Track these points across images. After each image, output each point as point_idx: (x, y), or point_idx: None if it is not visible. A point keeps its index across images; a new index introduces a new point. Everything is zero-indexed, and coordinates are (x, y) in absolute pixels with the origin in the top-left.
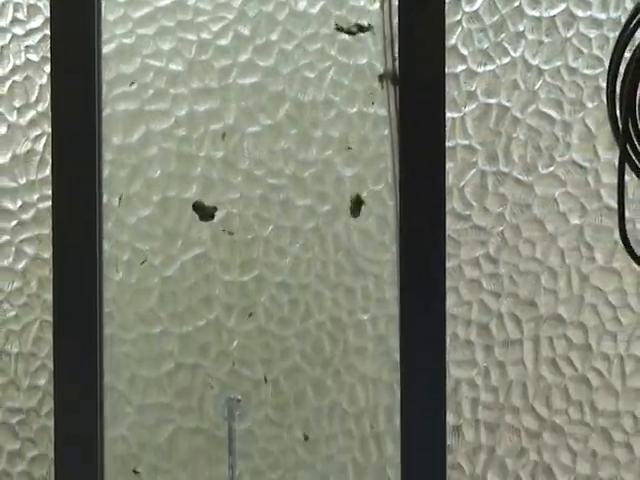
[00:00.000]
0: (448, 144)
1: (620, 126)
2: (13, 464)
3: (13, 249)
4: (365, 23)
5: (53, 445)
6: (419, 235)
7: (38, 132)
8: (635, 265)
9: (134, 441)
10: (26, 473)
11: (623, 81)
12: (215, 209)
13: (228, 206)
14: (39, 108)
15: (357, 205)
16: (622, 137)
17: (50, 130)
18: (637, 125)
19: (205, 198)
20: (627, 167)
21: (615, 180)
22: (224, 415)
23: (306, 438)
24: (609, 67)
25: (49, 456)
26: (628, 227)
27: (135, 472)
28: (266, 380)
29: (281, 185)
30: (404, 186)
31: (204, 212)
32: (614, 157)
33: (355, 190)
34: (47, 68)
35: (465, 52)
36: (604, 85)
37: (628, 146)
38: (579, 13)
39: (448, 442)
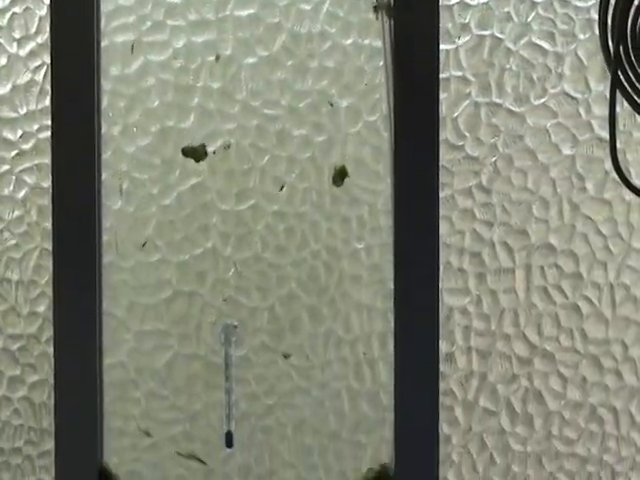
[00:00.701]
0: (442, 75)
1: (611, 52)
2: (14, 390)
3: (13, 178)
4: None
5: (53, 371)
6: (413, 165)
7: (38, 63)
8: (625, 196)
9: (132, 367)
10: (26, 398)
11: (614, 9)
12: (204, 146)
13: (225, 136)
14: (39, 40)
15: (340, 175)
16: (614, 63)
17: (50, 61)
18: (628, 51)
19: (202, 129)
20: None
21: (606, 112)
22: (221, 341)
23: (286, 357)
24: None
25: (49, 382)
26: (619, 157)
27: (148, 434)
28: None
29: (277, 115)
30: (398, 117)
31: (196, 153)
32: (605, 89)
33: (351, 120)
34: (47, 0)
35: None
36: (596, 17)
37: (619, 72)
38: None
39: (441, 369)
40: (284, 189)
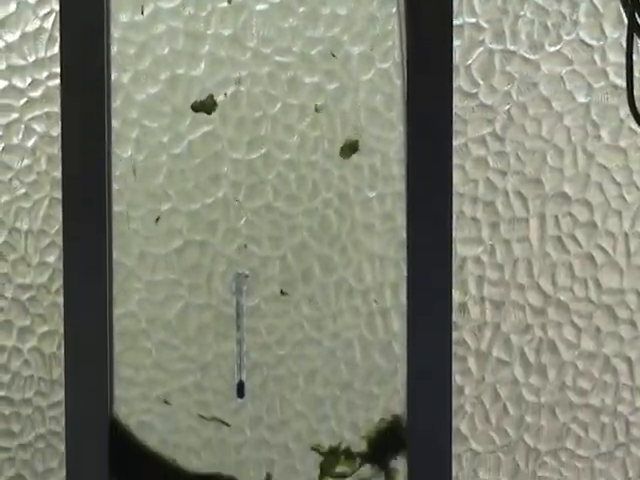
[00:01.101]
0: (455, 22)
1: None
2: (23, 340)
3: (22, 127)
4: None
5: (63, 322)
6: (426, 112)
7: (47, 10)
8: None
9: (143, 317)
10: (36, 349)
11: None
12: (212, 97)
13: (237, 83)
14: None
15: (350, 148)
16: (630, 6)
17: (58, 8)
18: None
19: (212, 76)
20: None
21: (621, 59)
22: (232, 291)
23: (282, 293)
24: None
25: (59, 332)
26: (637, 104)
27: (166, 402)
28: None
29: (289, 63)
30: (411, 64)
31: (205, 107)
32: (621, 37)
33: (364, 67)
34: None
35: None
36: None
37: (636, 14)
38: None
39: (454, 319)
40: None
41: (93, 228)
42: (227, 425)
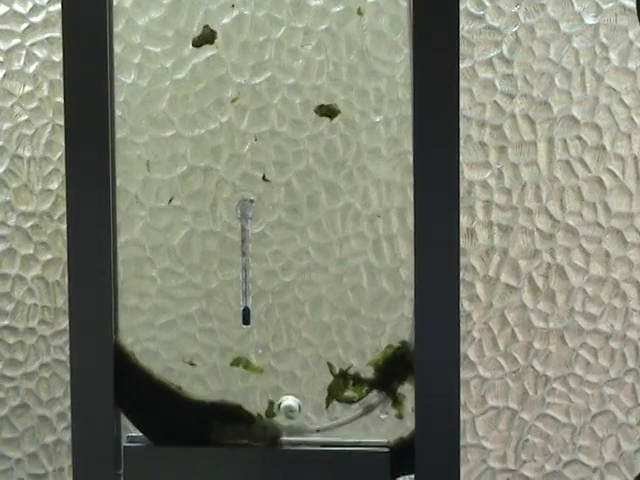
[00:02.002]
0: None
1: None
2: (27, 268)
3: (24, 52)
4: None
5: (66, 249)
6: (432, 35)
7: None
8: None
9: (147, 244)
10: (40, 277)
11: None
12: (209, 27)
13: (240, 7)
14: None
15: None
16: None
17: None
18: None
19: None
20: None
21: None
22: (237, 216)
23: (264, 178)
24: None
25: (63, 260)
26: None
27: (191, 364)
28: (264, 178)
29: None
30: None
31: (205, 39)
32: None
33: None
34: None
35: None
36: None
37: None
38: None
39: (461, 244)
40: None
41: (96, 154)
42: (260, 372)
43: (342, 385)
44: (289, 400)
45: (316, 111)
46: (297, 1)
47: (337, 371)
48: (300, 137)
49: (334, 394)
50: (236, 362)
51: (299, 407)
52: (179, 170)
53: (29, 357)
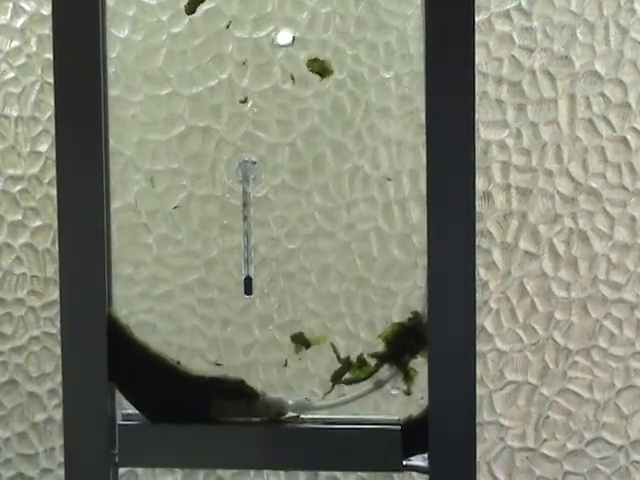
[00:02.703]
0: None
1: None
2: (15, 236)
3: (10, 5)
4: None
5: (57, 215)
6: None
7: None
8: None
9: (143, 210)
10: (29, 245)
11: None
12: None
13: None
14: None
15: None
16: None
17: None
18: None
19: None
20: None
21: None
22: (238, 179)
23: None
24: None
25: (53, 227)
26: None
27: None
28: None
29: None
30: None
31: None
32: None
33: None
34: None
35: None
36: None
37: None
38: None
39: (477, 208)
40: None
41: (87, 114)
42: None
43: (346, 369)
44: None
45: (308, 66)
46: None
47: (342, 356)
48: (305, 95)
49: (338, 379)
50: (296, 338)
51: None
52: (176, 130)
53: (17, 330)
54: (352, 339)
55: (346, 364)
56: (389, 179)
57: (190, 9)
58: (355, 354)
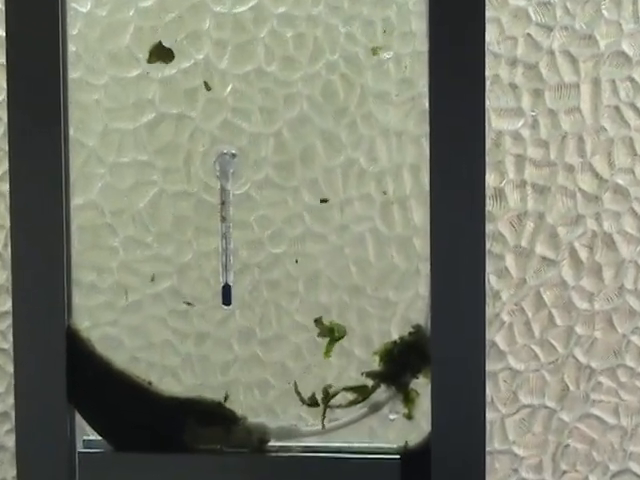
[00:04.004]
0: None
1: None
2: None
3: None
4: None
5: (9, 213)
6: None
7: None
8: None
9: (107, 209)
10: None
11: None
12: None
13: None
14: None
15: None
16: None
17: None
18: None
19: None
20: None
21: None
22: (216, 174)
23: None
24: None
25: (5, 227)
26: None
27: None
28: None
29: None
30: None
31: None
32: None
33: None
34: None
35: None
36: None
37: None
38: None
39: (488, 208)
40: None
41: (45, 99)
42: None
43: (338, 392)
44: None
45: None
46: None
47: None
48: (292, 78)
49: (328, 402)
50: (323, 330)
51: None
52: (146, 118)
53: None
54: (345, 356)
55: (338, 385)
56: (385, 192)
57: None
58: (349, 373)
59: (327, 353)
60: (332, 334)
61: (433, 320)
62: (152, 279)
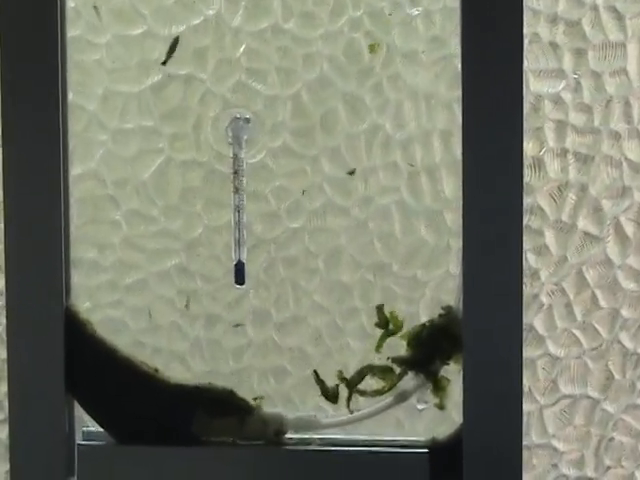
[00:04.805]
0: None
1: None
2: None
3: None
4: None
5: (2, 186)
6: None
7: None
8: None
9: (109, 179)
10: None
11: None
12: None
13: None
14: None
15: None
16: None
17: None
18: None
19: None
20: None
21: None
22: (228, 141)
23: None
24: None
25: None
26: None
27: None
28: None
29: None
30: None
31: None
32: None
33: None
34: None
35: None
36: None
37: None
38: None
39: (525, 178)
40: None
41: (42, 59)
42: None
43: (361, 379)
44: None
45: None
46: None
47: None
48: (312, 36)
49: (352, 387)
50: (381, 320)
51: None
52: (151, 80)
53: None
54: (369, 340)
55: (362, 371)
56: (412, 165)
57: None
58: (373, 360)
59: (378, 348)
60: (387, 326)
61: (465, 301)
62: (187, 304)
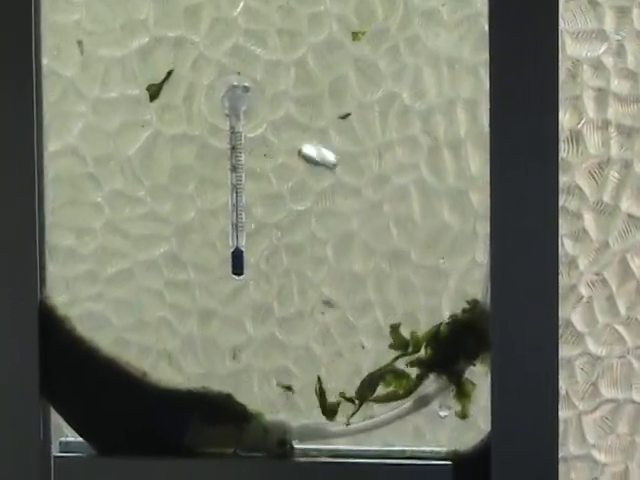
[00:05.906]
0: None
1: None
2: None
3: None
4: None
5: None
6: None
7: None
8: None
9: (89, 155)
10: None
11: None
12: None
13: None
14: None
15: None
16: None
17: None
18: None
19: None
20: None
21: None
22: (224, 112)
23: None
24: None
25: None
26: None
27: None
28: None
29: None
30: None
31: None
32: None
33: None
34: None
35: None
36: None
37: None
38: None
39: (562, 153)
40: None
41: (13, 19)
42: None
43: (377, 380)
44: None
45: None
46: None
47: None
48: None
49: (364, 395)
50: (397, 341)
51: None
52: (137, 43)
53: None
54: (384, 338)
55: (376, 374)
56: (433, 138)
57: None
58: (389, 360)
59: (391, 362)
60: (406, 348)
61: (493, 294)
62: (234, 356)
